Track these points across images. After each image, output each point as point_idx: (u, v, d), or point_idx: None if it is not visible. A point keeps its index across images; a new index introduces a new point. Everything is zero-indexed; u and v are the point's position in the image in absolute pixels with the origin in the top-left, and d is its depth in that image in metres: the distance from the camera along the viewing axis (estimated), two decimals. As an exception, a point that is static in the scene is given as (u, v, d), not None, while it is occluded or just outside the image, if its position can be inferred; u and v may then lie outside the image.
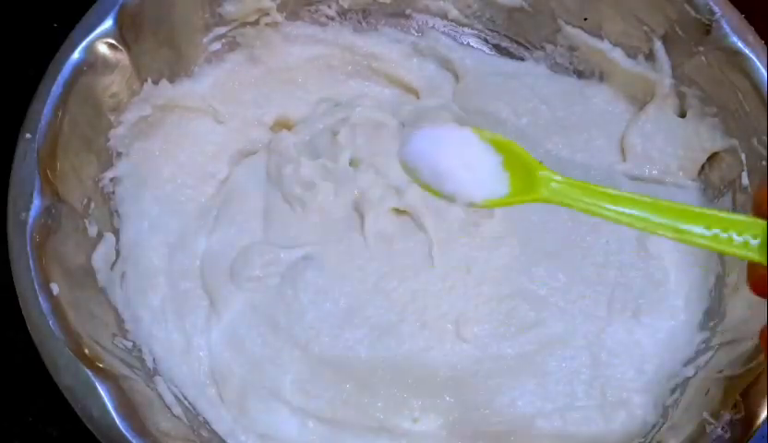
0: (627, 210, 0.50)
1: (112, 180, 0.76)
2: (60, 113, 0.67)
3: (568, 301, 0.76)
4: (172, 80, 0.80)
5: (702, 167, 0.80)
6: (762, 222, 0.46)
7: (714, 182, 0.79)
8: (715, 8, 0.72)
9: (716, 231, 0.47)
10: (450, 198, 0.54)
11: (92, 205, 0.72)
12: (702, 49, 0.75)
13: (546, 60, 0.88)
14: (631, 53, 0.82)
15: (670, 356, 0.73)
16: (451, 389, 0.73)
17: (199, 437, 0.68)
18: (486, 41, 0.90)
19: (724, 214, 0.48)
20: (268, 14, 0.83)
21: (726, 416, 0.61)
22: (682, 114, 0.80)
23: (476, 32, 0.90)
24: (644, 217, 0.49)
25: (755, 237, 0.46)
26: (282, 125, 0.86)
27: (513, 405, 0.72)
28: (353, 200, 0.80)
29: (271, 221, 0.80)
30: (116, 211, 0.76)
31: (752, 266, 0.49)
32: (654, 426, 0.69)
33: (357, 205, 0.80)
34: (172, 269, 0.77)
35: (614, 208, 0.50)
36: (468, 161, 0.54)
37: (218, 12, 0.80)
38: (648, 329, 0.75)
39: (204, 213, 0.80)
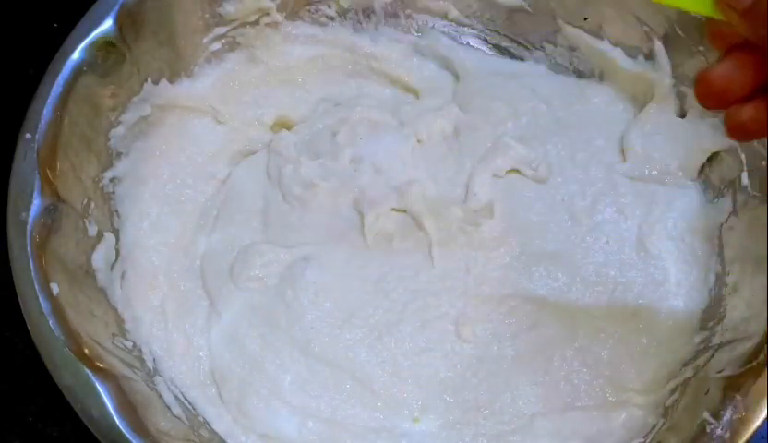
0: None
1: (112, 180, 0.76)
2: (60, 113, 0.67)
3: (568, 301, 0.76)
4: (172, 80, 0.80)
5: (702, 167, 0.80)
6: None
7: (714, 182, 0.78)
8: (715, 8, 0.72)
9: None
10: None
11: (92, 205, 0.72)
12: (701, 49, 0.75)
13: (545, 60, 0.88)
14: (631, 53, 0.82)
15: (670, 356, 0.73)
16: (451, 389, 0.73)
17: (199, 437, 0.68)
18: (485, 41, 0.90)
19: None
20: (268, 14, 0.83)
21: (726, 416, 0.61)
22: (682, 114, 0.80)
23: (476, 32, 0.90)
24: None
25: None
26: (282, 125, 0.86)
27: (513, 405, 0.72)
28: (353, 200, 0.80)
29: (271, 221, 0.80)
30: (116, 211, 0.76)
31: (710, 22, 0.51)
32: (653, 426, 0.69)
33: (357, 205, 0.80)
34: (172, 269, 0.77)
35: None
36: None
37: (218, 12, 0.80)
38: (648, 329, 0.75)
39: (204, 213, 0.80)
